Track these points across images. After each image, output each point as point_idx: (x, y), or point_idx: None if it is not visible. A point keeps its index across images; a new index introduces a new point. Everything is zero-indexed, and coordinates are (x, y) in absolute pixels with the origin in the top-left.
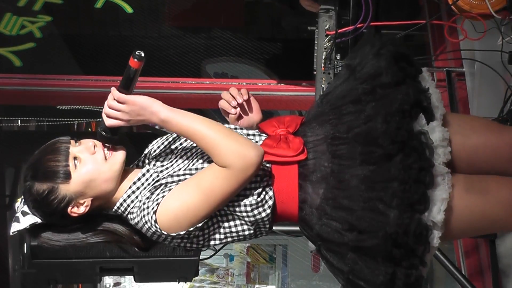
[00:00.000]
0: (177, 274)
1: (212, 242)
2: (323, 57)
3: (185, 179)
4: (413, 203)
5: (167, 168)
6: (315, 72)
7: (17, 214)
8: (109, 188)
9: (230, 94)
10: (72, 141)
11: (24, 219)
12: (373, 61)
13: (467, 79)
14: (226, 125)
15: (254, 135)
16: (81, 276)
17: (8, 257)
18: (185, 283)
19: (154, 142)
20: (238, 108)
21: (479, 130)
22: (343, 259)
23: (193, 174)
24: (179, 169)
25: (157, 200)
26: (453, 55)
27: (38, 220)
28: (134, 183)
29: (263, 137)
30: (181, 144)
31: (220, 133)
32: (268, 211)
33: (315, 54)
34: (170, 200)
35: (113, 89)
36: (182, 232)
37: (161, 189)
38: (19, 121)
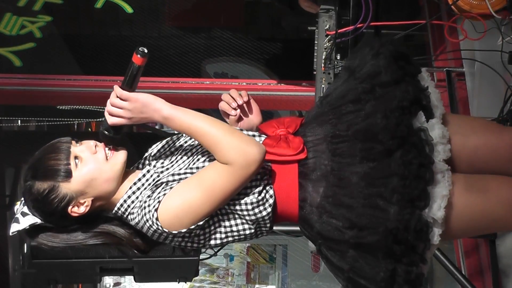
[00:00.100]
0: (177, 274)
1: (213, 242)
2: (323, 57)
3: (186, 177)
4: (413, 199)
5: (167, 169)
6: (315, 72)
7: (16, 215)
8: (110, 188)
9: (230, 95)
10: (73, 141)
11: (24, 219)
12: (372, 61)
13: (467, 79)
14: None
15: (254, 136)
16: (81, 276)
17: (8, 257)
18: (185, 283)
19: (154, 145)
20: (238, 110)
21: (479, 130)
22: (343, 257)
23: (194, 172)
24: (180, 168)
25: (158, 198)
26: (453, 55)
27: (38, 221)
28: (135, 183)
29: (263, 137)
30: (181, 145)
31: (222, 130)
32: (269, 209)
33: (315, 54)
34: (172, 198)
35: (116, 87)
36: (183, 230)
37: (162, 187)
38: (19, 121)
